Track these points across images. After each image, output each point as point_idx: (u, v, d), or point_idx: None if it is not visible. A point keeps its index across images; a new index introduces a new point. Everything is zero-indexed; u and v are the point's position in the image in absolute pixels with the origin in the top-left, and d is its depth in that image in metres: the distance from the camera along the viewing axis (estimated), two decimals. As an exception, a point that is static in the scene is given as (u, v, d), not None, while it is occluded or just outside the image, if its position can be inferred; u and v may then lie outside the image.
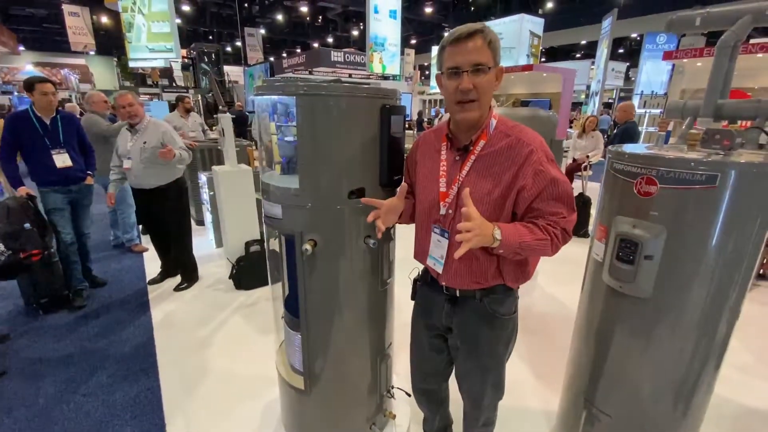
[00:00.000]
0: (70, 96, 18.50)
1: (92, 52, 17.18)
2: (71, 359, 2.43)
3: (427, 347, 1.41)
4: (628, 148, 1.39)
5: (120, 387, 2.19)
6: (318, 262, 1.34)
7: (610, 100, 17.11)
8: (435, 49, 15.81)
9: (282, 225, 1.36)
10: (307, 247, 1.27)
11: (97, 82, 20.95)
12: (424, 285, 1.37)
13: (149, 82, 17.24)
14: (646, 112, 10.95)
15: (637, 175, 1.25)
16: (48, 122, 2.85)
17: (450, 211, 1.17)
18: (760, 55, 4.38)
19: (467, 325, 1.27)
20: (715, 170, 1.12)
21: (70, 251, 3.00)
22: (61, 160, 2.88)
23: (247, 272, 3.32)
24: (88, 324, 2.83)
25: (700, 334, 1.30)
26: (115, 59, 20.79)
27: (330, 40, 24.04)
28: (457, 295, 1.25)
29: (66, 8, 14.66)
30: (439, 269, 1.23)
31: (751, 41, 5.53)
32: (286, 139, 1.43)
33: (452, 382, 1.50)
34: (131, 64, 11.29)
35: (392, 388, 1.73)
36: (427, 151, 1.26)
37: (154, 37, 9.87)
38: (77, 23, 14.88)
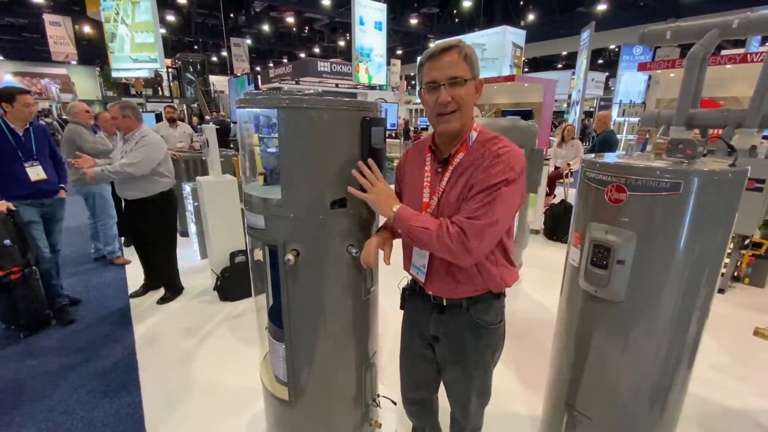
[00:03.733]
0: (51, 106, 18.19)
1: (74, 62, 16.95)
2: (49, 376, 2.37)
3: (419, 357, 1.41)
4: (600, 157, 1.45)
5: (100, 404, 2.14)
6: (301, 272, 1.35)
7: (591, 109, 17.57)
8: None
9: (265, 235, 1.37)
10: (290, 257, 1.28)
11: (79, 92, 20.65)
12: (413, 294, 1.38)
13: (133, 92, 17.06)
14: (624, 121, 11.30)
15: (608, 183, 1.31)
16: (21, 134, 2.78)
17: None
18: (729, 66, 4.58)
19: (454, 334, 1.28)
20: (679, 178, 1.17)
21: (50, 266, 2.92)
22: (35, 172, 2.81)
23: (232, 283, 3.29)
24: (67, 340, 2.76)
25: (673, 334, 1.34)
26: (98, 69, 20.55)
27: (317, 50, 24.20)
28: (444, 304, 1.26)
29: (47, 17, 14.48)
30: (422, 278, 1.26)
31: (722, 52, 5.78)
32: (268, 150, 1.44)
33: (442, 392, 1.50)
34: (114, 74, 11.16)
35: (378, 397, 1.74)
36: (415, 161, 1.30)
37: (137, 48, 9.79)
38: (59, 33, 14.69)
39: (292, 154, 1.26)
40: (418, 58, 1.16)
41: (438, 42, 1.10)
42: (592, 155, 1.48)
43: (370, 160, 1.25)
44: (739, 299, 3.36)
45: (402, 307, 1.44)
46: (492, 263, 1.20)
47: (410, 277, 1.40)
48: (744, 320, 3.00)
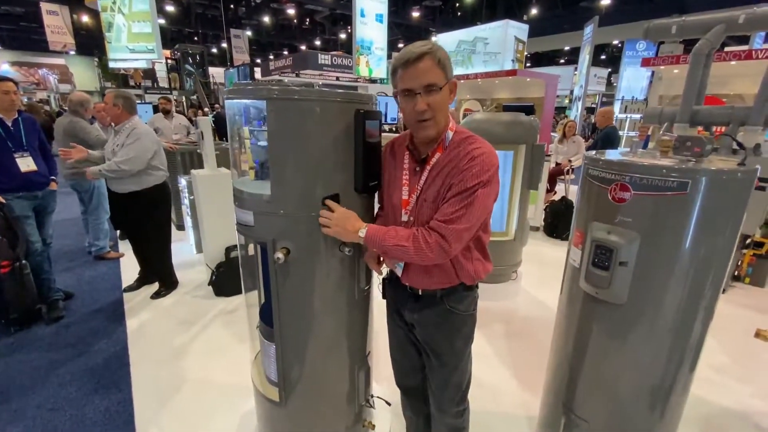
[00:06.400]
0: (49, 96, 18.05)
1: (72, 52, 16.78)
2: (38, 371, 2.33)
3: (405, 342, 1.44)
4: (603, 154, 1.40)
5: (90, 400, 2.11)
6: (291, 270, 1.31)
7: (593, 105, 17.45)
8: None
9: (254, 232, 1.32)
10: (280, 255, 1.23)
11: (77, 83, 20.49)
12: (392, 283, 1.41)
13: (131, 83, 16.91)
14: (626, 117, 11.21)
15: (612, 182, 1.26)
16: (10, 124, 2.72)
17: (411, 218, 1.23)
18: (733, 62, 4.51)
19: (428, 321, 1.31)
20: (686, 177, 1.12)
21: (42, 259, 2.88)
22: (25, 164, 2.75)
23: (227, 278, 3.25)
24: (58, 335, 2.72)
25: (675, 338, 1.30)
26: (96, 59, 20.37)
27: (317, 42, 23.99)
28: (420, 293, 1.30)
29: (44, 6, 14.30)
30: (399, 271, 1.30)
31: (726, 49, 5.70)
32: (259, 143, 1.39)
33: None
34: (111, 65, 11.03)
35: (371, 397, 1.70)
36: (393, 159, 1.32)
37: (134, 38, 9.65)
38: (56, 22, 14.52)
39: (282, 148, 1.20)
40: (393, 62, 1.14)
41: (409, 46, 1.08)
42: (597, 152, 1.43)
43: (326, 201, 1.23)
44: (739, 299, 3.32)
45: (384, 297, 1.47)
46: (467, 259, 1.24)
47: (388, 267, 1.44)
48: (744, 320, 2.96)
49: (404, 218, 1.24)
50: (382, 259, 1.41)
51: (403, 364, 1.51)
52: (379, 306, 1.65)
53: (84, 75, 21.90)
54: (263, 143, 1.37)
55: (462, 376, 1.39)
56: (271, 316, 1.41)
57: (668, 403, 1.40)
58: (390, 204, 1.31)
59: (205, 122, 3.28)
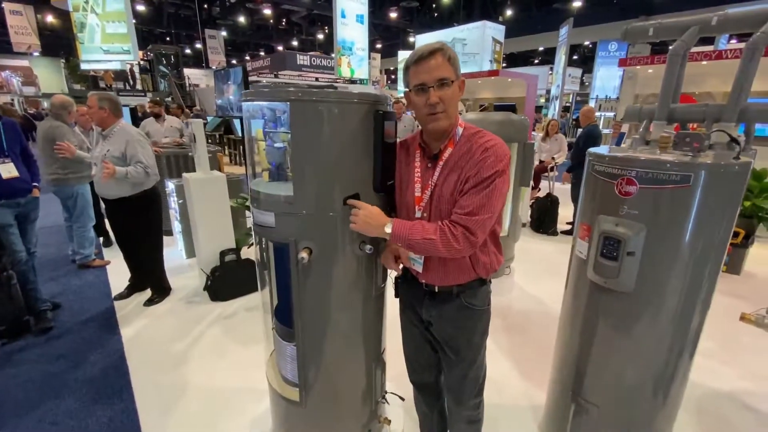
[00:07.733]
0: (12, 100, 17.20)
1: (36, 53, 16.05)
2: (33, 385, 2.24)
3: (419, 338, 1.46)
4: (605, 150, 1.47)
5: (92, 412, 2.04)
6: (312, 270, 1.32)
7: (567, 104, 17.98)
8: (401, 54, 16.02)
9: (275, 233, 1.33)
10: (304, 255, 1.25)
11: (42, 85, 19.63)
12: (405, 282, 1.43)
13: (102, 85, 16.30)
14: (601, 115, 11.63)
15: (618, 177, 1.33)
16: None
17: (425, 215, 1.26)
18: (704, 62, 4.75)
19: (445, 318, 1.34)
20: (689, 171, 1.21)
21: (27, 269, 2.76)
22: (6, 170, 2.64)
23: (223, 283, 3.20)
24: (50, 346, 2.62)
25: (677, 324, 1.39)
26: (63, 60, 19.50)
27: (294, 43, 23.77)
28: (436, 290, 1.33)
29: (7, 6, 13.63)
30: (419, 268, 1.31)
31: (693, 49, 6.00)
32: (275, 145, 1.39)
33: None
34: (83, 66, 10.61)
35: (386, 393, 1.73)
36: (404, 157, 1.35)
37: (108, 38, 9.32)
38: (20, 22, 13.85)
39: (304, 149, 1.22)
40: (404, 61, 1.20)
41: (422, 45, 1.14)
42: (598, 149, 1.50)
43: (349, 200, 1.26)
44: (718, 286, 3.49)
45: (397, 295, 1.49)
46: (484, 252, 1.28)
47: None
48: (725, 307, 3.13)
49: (418, 215, 1.27)
50: (397, 259, 1.43)
51: (418, 361, 1.53)
52: (389, 301, 1.68)
53: (49, 77, 20.96)
54: (279, 145, 1.38)
55: (479, 370, 1.43)
56: (287, 317, 1.42)
57: (671, 387, 1.49)
58: (403, 202, 1.34)
59: (198, 125, 3.22)
